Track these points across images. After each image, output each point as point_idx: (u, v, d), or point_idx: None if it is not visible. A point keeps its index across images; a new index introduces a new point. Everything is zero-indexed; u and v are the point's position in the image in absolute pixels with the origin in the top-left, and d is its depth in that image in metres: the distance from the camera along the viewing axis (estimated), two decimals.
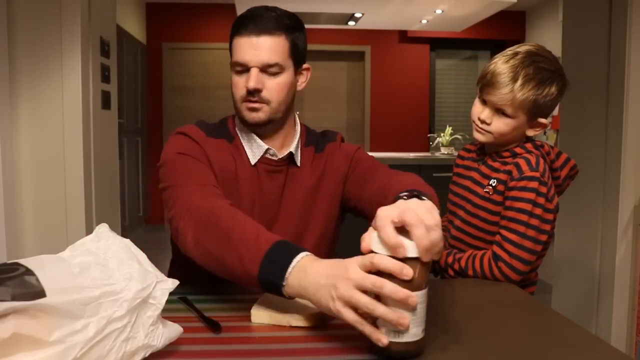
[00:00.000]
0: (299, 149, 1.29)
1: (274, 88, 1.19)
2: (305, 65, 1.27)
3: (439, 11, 4.93)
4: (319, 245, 1.28)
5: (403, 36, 6.27)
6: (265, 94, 1.18)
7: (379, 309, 0.75)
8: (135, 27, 5.49)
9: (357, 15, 5.18)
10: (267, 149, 1.24)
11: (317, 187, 1.28)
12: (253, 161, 1.24)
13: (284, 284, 0.85)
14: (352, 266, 0.78)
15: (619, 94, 2.25)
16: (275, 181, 1.25)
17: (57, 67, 2.21)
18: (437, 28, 5.80)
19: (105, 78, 2.55)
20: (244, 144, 1.26)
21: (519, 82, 1.23)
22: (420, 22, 5.46)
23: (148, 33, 5.96)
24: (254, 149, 1.24)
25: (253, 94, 1.18)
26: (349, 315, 0.78)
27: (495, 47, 6.35)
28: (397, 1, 4.58)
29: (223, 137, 1.26)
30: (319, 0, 4.62)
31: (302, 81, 1.28)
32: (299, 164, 1.28)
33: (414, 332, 0.78)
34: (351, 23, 5.57)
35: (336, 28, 5.96)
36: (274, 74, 1.18)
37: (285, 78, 1.20)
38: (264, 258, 0.88)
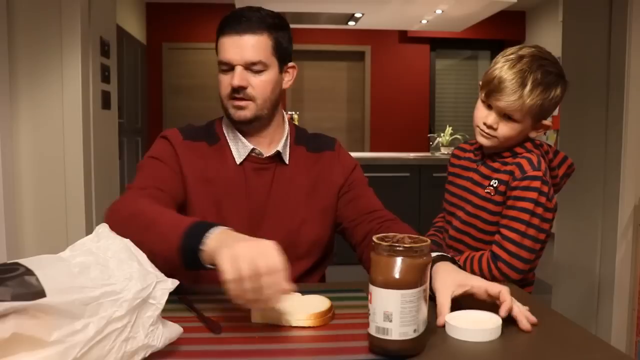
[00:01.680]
0: (288, 147, 1.31)
1: (258, 85, 1.21)
2: (290, 64, 1.29)
3: (439, 11, 4.93)
4: (312, 250, 1.28)
5: (403, 36, 6.27)
6: (250, 91, 1.21)
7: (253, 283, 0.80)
8: (135, 27, 5.49)
9: (357, 15, 5.18)
10: (253, 149, 1.26)
11: (311, 192, 1.29)
12: (239, 160, 1.26)
13: (202, 247, 0.90)
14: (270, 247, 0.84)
15: (619, 94, 2.25)
16: (262, 178, 1.27)
17: (57, 67, 2.21)
18: (437, 28, 5.80)
19: (105, 78, 2.55)
20: (230, 144, 1.28)
21: (528, 88, 1.21)
22: (420, 22, 5.46)
23: (148, 33, 5.96)
24: (240, 149, 1.26)
25: (238, 91, 1.20)
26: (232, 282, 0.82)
27: (495, 47, 6.35)
28: (397, 1, 4.58)
29: (203, 139, 1.28)
30: (319, 0, 4.62)
31: (288, 79, 1.30)
32: (287, 161, 1.29)
33: (402, 331, 0.78)
34: (351, 23, 5.57)
35: (336, 28, 5.96)
36: (258, 72, 1.21)
37: (269, 75, 1.22)
38: (186, 231, 0.93)
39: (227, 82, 1.21)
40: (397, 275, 0.77)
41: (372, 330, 0.80)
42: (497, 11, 5.08)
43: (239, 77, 1.19)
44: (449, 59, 6.51)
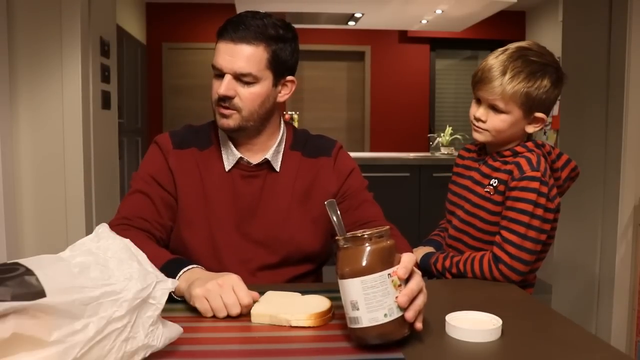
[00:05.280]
0: (280, 153, 1.27)
1: (246, 97, 1.18)
2: (289, 78, 1.25)
3: (439, 11, 4.93)
4: (304, 259, 1.26)
5: (403, 36, 6.26)
6: (236, 101, 1.18)
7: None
8: (135, 27, 5.48)
9: (357, 15, 5.18)
10: (241, 158, 1.24)
11: (304, 200, 1.26)
12: (227, 167, 1.24)
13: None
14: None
15: (619, 94, 2.25)
16: (250, 186, 1.24)
17: (57, 67, 2.21)
18: (437, 28, 5.80)
19: (105, 78, 2.55)
20: (222, 150, 1.26)
21: (508, 75, 1.24)
22: (420, 22, 5.46)
23: (148, 33, 5.96)
24: (229, 156, 1.25)
25: (224, 100, 1.18)
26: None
27: (495, 47, 6.26)
28: (397, 1, 4.58)
29: (193, 145, 1.27)
30: (319, 0, 4.62)
31: (285, 93, 1.26)
32: (277, 169, 1.26)
33: (371, 317, 0.79)
34: (351, 23, 5.56)
35: (336, 28, 5.95)
36: (248, 83, 1.18)
37: (259, 88, 1.18)
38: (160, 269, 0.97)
39: (216, 87, 1.20)
40: (353, 264, 0.80)
41: (348, 323, 0.82)
42: (497, 11, 5.07)
43: (225, 86, 1.17)
44: (449, 59, 6.50)
